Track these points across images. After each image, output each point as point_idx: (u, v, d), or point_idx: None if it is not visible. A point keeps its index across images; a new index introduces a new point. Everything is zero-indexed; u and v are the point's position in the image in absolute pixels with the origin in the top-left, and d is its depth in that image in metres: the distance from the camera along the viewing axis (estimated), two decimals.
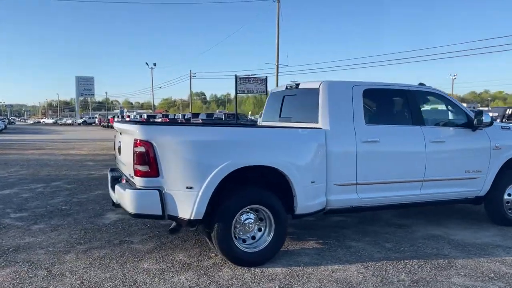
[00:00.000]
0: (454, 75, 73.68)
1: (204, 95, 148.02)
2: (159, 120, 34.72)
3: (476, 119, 5.44)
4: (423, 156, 5.17)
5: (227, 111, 48.93)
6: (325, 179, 4.65)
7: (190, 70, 68.97)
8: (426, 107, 6.00)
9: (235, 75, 30.54)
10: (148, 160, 3.96)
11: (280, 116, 5.76)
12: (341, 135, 4.76)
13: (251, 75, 33.08)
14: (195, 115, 36.37)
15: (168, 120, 37.22)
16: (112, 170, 5.53)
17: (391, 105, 5.31)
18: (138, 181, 4.03)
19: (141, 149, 3.97)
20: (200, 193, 3.97)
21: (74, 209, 6.64)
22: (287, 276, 3.99)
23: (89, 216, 6.20)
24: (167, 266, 4.22)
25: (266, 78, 33.50)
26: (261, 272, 4.09)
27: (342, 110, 4.86)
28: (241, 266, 4.20)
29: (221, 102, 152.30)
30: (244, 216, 4.27)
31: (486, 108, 40.66)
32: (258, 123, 8.10)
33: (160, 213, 4.01)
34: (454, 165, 5.41)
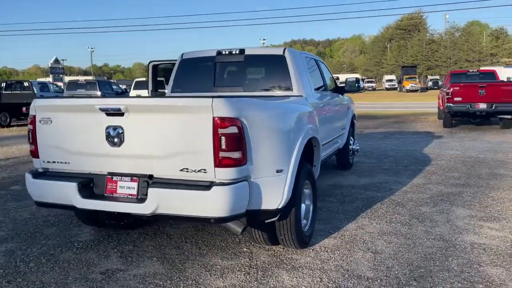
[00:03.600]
0: (92, 48, 77.00)
1: None
2: None
3: (348, 86, 6.58)
4: (335, 117, 5.92)
5: None
6: None
7: None
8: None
9: None
10: (240, 144, 2.99)
11: (214, 85, 5.08)
12: (311, 101, 4.86)
13: None
14: None
15: None
16: (39, 175, 3.50)
17: (316, 72, 5.70)
18: (225, 173, 2.98)
19: (233, 130, 2.95)
20: (289, 175, 3.38)
21: None
22: (349, 245, 3.97)
23: None
24: (244, 276, 3.34)
25: None
26: (325, 248, 3.90)
27: (305, 77, 4.94)
28: (303, 248, 3.83)
29: None
30: None
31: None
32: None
33: (244, 210, 3.14)
34: (339, 124, 6.42)
